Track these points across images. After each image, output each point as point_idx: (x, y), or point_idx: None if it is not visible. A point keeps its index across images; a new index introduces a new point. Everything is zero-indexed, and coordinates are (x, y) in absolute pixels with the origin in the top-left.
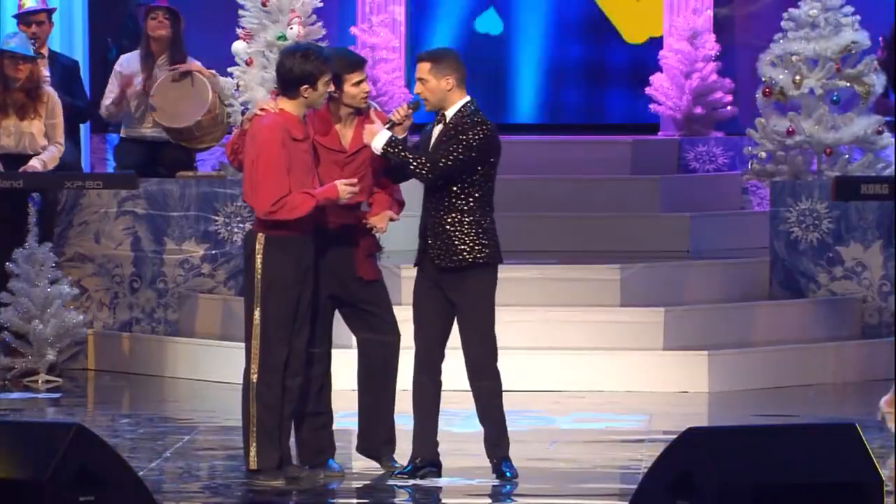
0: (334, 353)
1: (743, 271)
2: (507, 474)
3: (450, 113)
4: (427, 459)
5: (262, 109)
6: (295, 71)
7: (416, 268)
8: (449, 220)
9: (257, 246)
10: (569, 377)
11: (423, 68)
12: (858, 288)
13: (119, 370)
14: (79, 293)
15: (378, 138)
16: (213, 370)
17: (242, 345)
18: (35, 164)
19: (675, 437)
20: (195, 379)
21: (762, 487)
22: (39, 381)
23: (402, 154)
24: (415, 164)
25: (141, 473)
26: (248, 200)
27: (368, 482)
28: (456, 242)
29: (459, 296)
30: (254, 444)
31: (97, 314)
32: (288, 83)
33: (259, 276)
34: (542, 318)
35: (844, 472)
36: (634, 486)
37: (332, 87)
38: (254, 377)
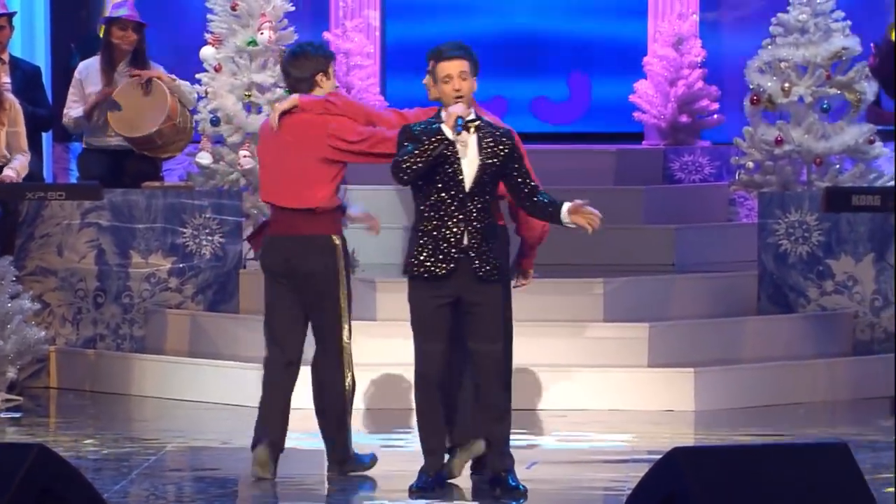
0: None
1: (730, 285)
2: (521, 487)
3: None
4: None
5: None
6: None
7: None
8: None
9: (337, 248)
10: (550, 395)
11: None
12: (850, 303)
13: (83, 388)
14: (41, 308)
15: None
16: (181, 388)
17: (211, 361)
18: (9, 173)
19: (660, 457)
20: (162, 397)
21: None
22: None
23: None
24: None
25: (105, 495)
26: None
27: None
28: None
29: None
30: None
31: (60, 330)
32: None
33: (344, 281)
34: (521, 334)
35: (835, 494)
36: None
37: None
38: (348, 378)
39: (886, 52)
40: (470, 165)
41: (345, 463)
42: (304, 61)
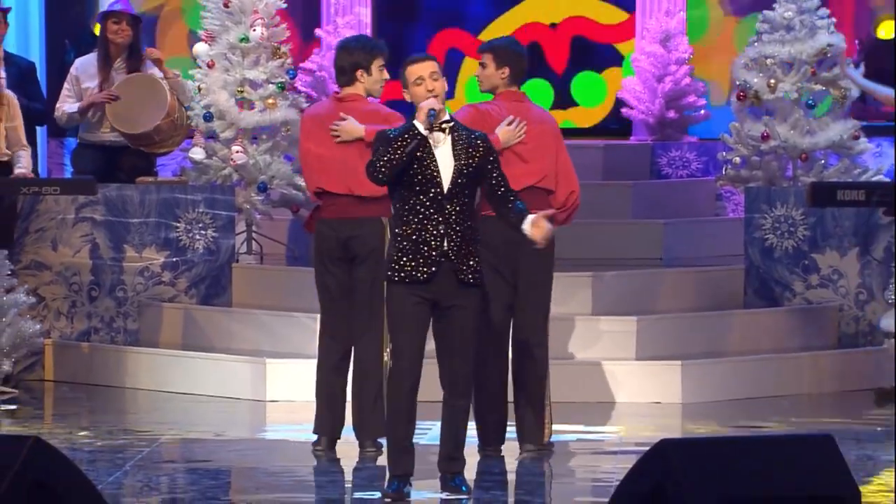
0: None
1: (717, 279)
2: (463, 489)
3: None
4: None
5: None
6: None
7: None
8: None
9: (387, 232)
10: None
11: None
12: (835, 296)
13: (77, 381)
14: (35, 302)
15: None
16: (174, 381)
17: (204, 354)
18: (24, 171)
19: (647, 448)
20: (156, 390)
21: (736, 500)
22: None
23: (513, 220)
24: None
25: (100, 487)
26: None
27: None
28: None
29: None
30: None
31: (54, 323)
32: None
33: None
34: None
35: (821, 485)
36: (606, 500)
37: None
38: (386, 354)
39: (873, 49)
40: (446, 168)
41: (375, 438)
42: (344, 55)
